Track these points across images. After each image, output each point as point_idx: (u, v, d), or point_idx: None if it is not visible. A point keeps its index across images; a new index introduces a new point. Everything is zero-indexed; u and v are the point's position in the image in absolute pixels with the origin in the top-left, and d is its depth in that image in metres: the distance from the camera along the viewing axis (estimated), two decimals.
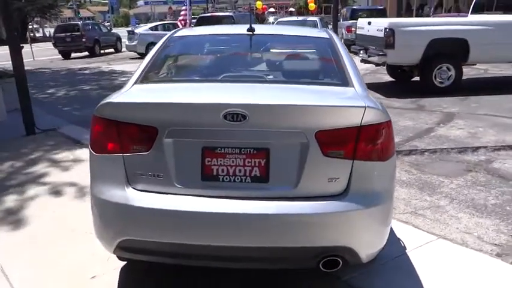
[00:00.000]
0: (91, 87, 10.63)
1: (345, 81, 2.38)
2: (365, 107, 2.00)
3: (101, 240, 2.23)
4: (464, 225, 3.38)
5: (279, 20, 14.14)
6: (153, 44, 13.60)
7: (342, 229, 2.01)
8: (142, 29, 18.60)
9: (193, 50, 3.14)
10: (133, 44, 17.85)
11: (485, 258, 2.92)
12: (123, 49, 20.57)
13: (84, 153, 5.06)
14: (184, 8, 12.81)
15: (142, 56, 17.68)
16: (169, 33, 3.14)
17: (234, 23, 13.58)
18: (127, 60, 17.29)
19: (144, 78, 2.46)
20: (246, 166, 2.01)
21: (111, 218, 2.13)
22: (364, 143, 2.01)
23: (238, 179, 2.02)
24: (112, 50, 21.51)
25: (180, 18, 12.00)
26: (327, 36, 2.97)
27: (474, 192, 3.98)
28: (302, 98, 2.15)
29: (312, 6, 14.88)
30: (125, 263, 2.74)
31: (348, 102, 2.11)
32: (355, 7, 16.58)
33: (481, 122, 6.35)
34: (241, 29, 2.92)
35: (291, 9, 49.22)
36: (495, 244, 3.13)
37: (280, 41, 3.13)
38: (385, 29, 8.13)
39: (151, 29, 18.42)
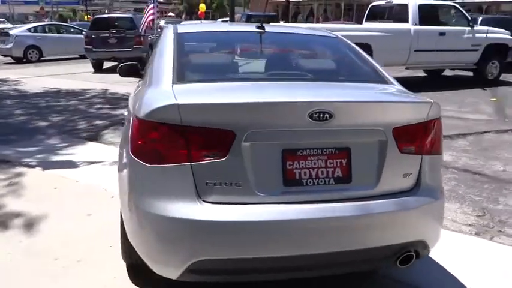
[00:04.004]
0: None
1: (382, 79, 2.47)
2: (432, 103, 2.09)
3: (161, 266, 1.96)
4: None
5: (184, 23, 13.77)
6: (33, 47, 12.25)
7: (418, 224, 2.07)
8: (19, 30, 16.54)
9: (214, 47, 2.92)
10: (7, 47, 15.73)
11: (469, 239, 3.26)
12: None
13: (23, 172, 4.33)
14: (151, 6, 11.63)
15: (19, 61, 15.72)
16: (167, 30, 2.84)
17: (135, 25, 12.86)
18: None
19: (181, 78, 2.20)
20: (328, 167, 1.95)
21: (179, 238, 1.87)
22: (429, 137, 2.11)
23: (321, 181, 1.94)
24: None
25: (150, 18, 10.77)
26: (334, 36, 3.04)
27: None
28: (375, 95, 2.16)
29: (203, 7, 14.91)
30: None
31: (416, 98, 2.18)
32: (250, 13, 17.13)
33: None
34: (250, 26, 2.84)
35: (171, 13, 48.52)
36: (468, 225, 3.50)
37: (295, 40, 3.09)
38: None
39: (29, 30, 16.49)
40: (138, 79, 4.54)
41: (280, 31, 3.17)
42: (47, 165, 4.53)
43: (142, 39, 12.71)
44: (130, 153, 1.98)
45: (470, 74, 10.99)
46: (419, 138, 2.07)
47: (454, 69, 11.35)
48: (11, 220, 3.29)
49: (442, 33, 9.70)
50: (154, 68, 2.44)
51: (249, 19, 16.59)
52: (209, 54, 2.81)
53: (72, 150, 5.13)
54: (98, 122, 6.72)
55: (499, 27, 10.74)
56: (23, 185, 3.99)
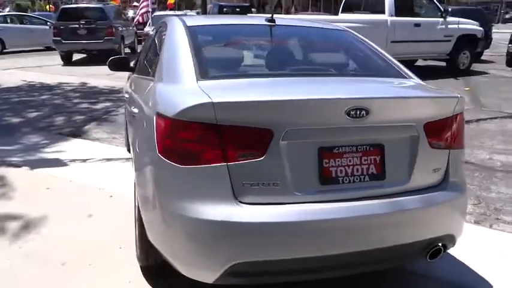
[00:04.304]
0: None
1: (400, 73, 2.46)
2: (458, 97, 2.10)
3: (196, 270, 1.89)
4: None
5: (155, 14, 13.41)
6: None
7: (448, 218, 2.09)
8: None
9: (229, 42, 2.81)
10: None
11: (470, 227, 3.32)
12: None
13: (10, 172, 4.10)
14: None
15: None
16: (173, 23, 2.72)
17: (105, 16, 12.41)
18: None
19: (203, 74, 2.11)
20: (362, 164, 1.93)
21: (217, 241, 1.80)
22: (456, 131, 2.12)
23: (357, 179, 1.93)
24: None
25: (143, 11, 10.17)
26: (342, 29, 3.02)
27: None
28: (406, 91, 2.15)
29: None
30: None
31: (443, 93, 2.19)
32: (221, 3, 16.84)
33: None
34: (258, 19, 2.78)
35: (135, 3, 47.14)
36: (467, 213, 3.58)
37: (309, 33, 3.03)
38: None
39: None
40: (129, 73, 4.41)
41: (291, 24, 3.11)
42: (33, 164, 4.32)
43: (113, 30, 12.31)
44: (158, 153, 1.90)
45: (442, 64, 11.29)
46: (447, 132, 2.09)
47: (426, 60, 11.62)
48: (5, 224, 3.11)
49: (417, 25, 9.91)
50: (167, 63, 2.34)
51: (221, 10, 16.35)
52: (226, 48, 2.71)
53: (57, 148, 4.92)
54: (78, 117, 6.47)
55: (466, 18, 11.09)
56: (12, 186, 3.78)
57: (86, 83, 9.45)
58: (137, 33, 15.53)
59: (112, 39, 12.21)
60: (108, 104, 7.49)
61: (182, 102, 1.84)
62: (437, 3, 10.44)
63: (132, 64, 4.18)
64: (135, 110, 2.60)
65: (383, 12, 9.75)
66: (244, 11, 17.10)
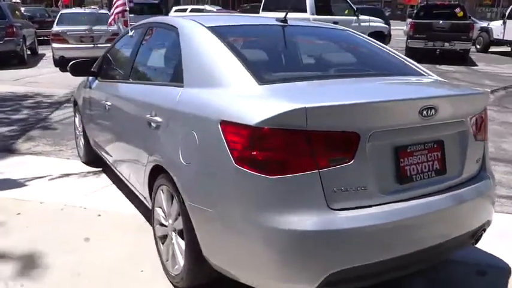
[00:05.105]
0: None
1: (418, 71, 2.60)
2: (489, 92, 2.30)
3: (288, 284, 1.80)
4: None
5: (64, 12, 12.16)
6: None
7: (489, 204, 2.26)
8: None
9: (259, 43, 2.66)
10: None
11: None
12: None
13: None
14: None
15: None
16: (189, 25, 2.54)
17: (3, 14, 11.00)
18: None
19: (260, 78, 2.02)
20: (428, 161, 2.02)
21: (314, 251, 1.74)
22: (486, 123, 2.32)
23: (426, 175, 2.00)
24: None
25: (118, 10, 8.56)
26: (344, 28, 3.11)
27: None
28: (456, 89, 2.29)
29: None
30: None
31: (478, 90, 2.36)
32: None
33: None
34: (271, 20, 2.77)
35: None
36: None
37: (329, 34, 3.03)
38: None
39: None
40: (88, 77, 4.04)
41: (309, 25, 3.13)
42: None
43: (14, 30, 11.02)
44: (234, 164, 1.78)
45: None
46: (482, 125, 2.28)
47: None
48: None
49: (335, 23, 10.45)
50: (206, 68, 2.22)
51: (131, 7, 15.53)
52: (260, 50, 2.57)
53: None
54: (2, 129, 5.69)
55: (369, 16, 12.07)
56: None
57: None
58: (37, 33, 14.14)
59: (13, 40, 10.92)
60: (31, 112, 6.73)
61: (265, 108, 1.75)
62: (351, 3, 11.20)
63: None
64: (158, 119, 2.38)
65: (304, 10, 10.17)
66: (152, 8, 16.47)
